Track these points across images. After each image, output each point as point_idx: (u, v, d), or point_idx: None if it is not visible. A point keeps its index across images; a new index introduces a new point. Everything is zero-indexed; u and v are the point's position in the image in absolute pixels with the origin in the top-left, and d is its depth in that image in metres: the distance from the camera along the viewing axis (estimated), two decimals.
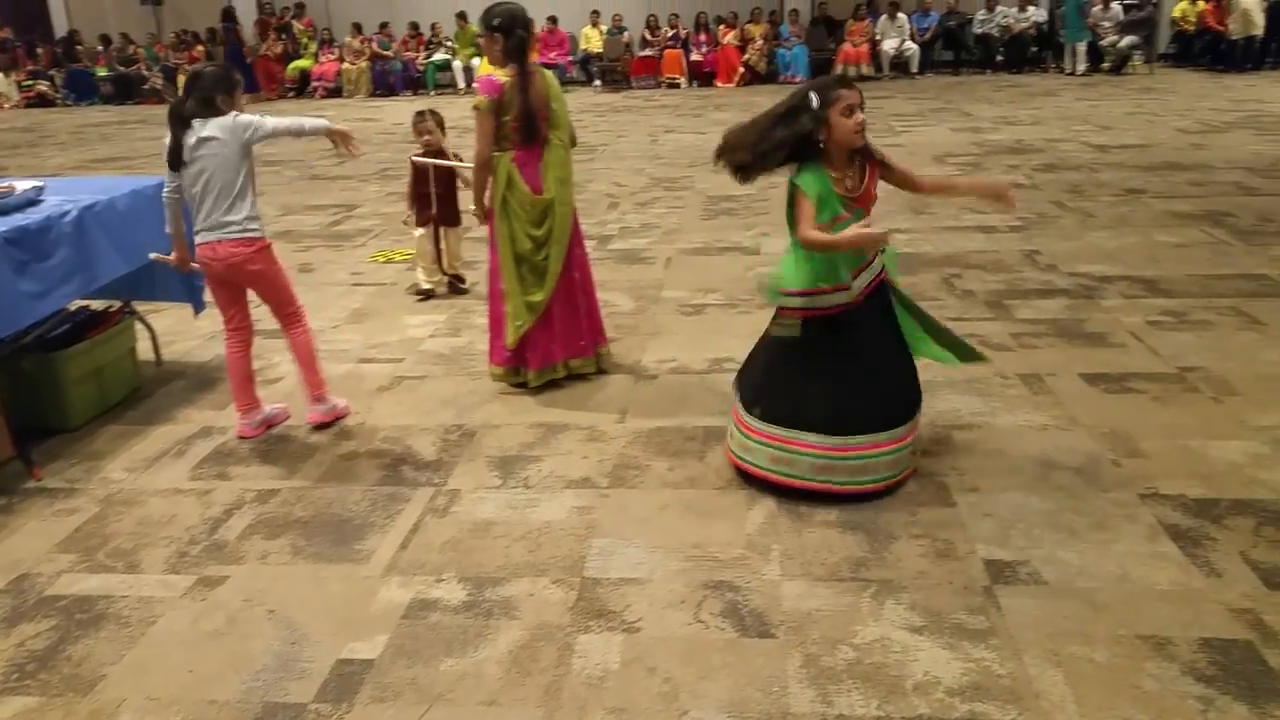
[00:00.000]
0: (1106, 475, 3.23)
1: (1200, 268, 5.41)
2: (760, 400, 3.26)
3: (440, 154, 5.35)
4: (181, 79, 17.87)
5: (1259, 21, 15.11)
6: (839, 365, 3.15)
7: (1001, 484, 3.21)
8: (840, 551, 2.89)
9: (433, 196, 5.39)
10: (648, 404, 4.01)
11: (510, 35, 3.86)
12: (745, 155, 3.07)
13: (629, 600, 2.70)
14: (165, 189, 3.75)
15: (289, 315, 3.86)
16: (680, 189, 8.44)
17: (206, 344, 4.93)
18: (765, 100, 12.87)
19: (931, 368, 4.18)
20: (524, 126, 3.87)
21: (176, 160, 3.58)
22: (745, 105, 14.10)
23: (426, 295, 5.52)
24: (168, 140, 3.59)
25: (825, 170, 3.04)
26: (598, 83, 17.48)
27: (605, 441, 3.69)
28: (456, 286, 5.60)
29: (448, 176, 5.37)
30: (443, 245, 5.52)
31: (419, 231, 5.51)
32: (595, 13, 17.68)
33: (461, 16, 17.88)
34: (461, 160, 5.26)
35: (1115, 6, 16.06)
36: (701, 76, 17.41)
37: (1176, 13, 16.79)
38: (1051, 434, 3.54)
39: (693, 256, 6.24)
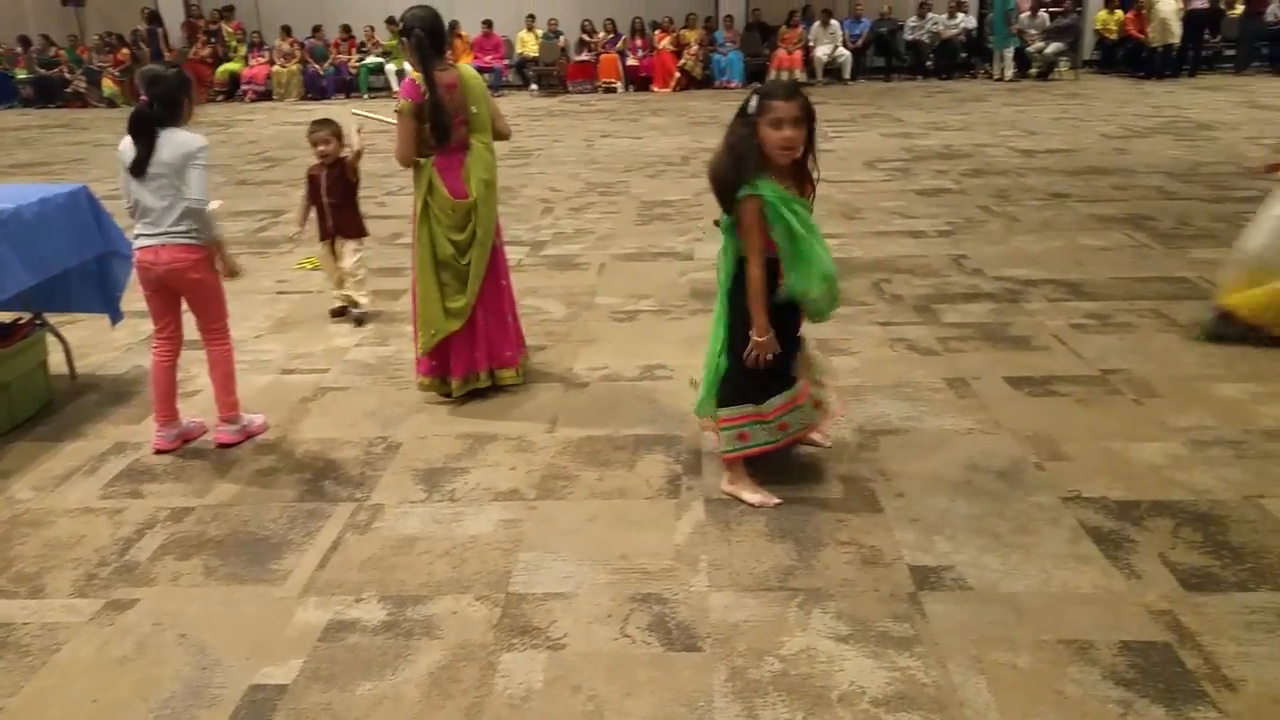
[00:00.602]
0: (1030, 478, 3.27)
1: (1122, 270, 5.53)
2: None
3: (340, 166, 5.06)
4: (107, 83, 17.54)
5: (1176, 30, 15.57)
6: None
7: (927, 489, 3.23)
8: (768, 560, 2.88)
9: (326, 207, 5.09)
10: (578, 413, 3.96)
11: (409, 36, 3.81)
12: (718, 181, 2.99)
13: (554, 616, 2.65)
14: (125, 203, 3.57)
15: (216, 330, 3.74)
16: (615, 194, 8.40)
17: (124, 356, 4.77)
18: (701, 105, 13.02)
19: (862, 371, 4.22)
20: (434, 128, 3.81)
21: (143, 170, 3.45)
22: (681, 110, 14.15)
23: (340, 312, 5.26)
24: (130, 149, 3.47)
25: (771, 179, 2.93)
26: (534, 87, 17.38)
27: (534, 452, 3.63)
28: (348, 311, 5.21)
29: (343, 185, 5.09)
30: (339, 261, 5.20)
31: (319, 246, 5.27)
32: (531, 17, 17.59)
33: (391, 21, 17.68)
34: (382, 120, 5.04)
35: (1042, 14, 16.44)
36: (638, 81, 17.41)
37: (1098, 22, 17.26)
38: (976, 438, 3.57)
39: (626, 262, 6.21)
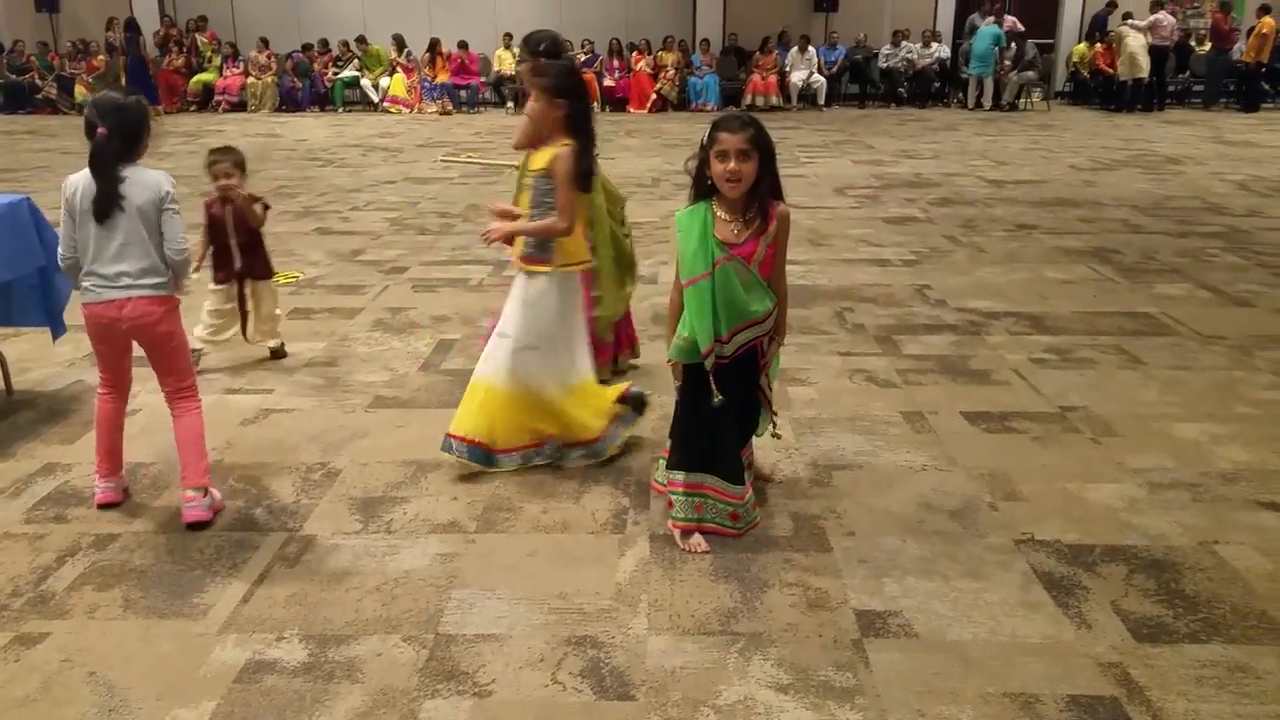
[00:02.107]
0: (983, 520, 3.19)
1: (1085, 305, 5.50)
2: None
3: (243, 200, 4.47)
4: (80, 90, 17.28)
5: (1144, 65, 15.77)
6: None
7: (879, 528, 3.14)
8: (710, 602, 2.78)
9: (233, 246, 4.52)
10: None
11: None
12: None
13: (484, 659, 2.53)
14: (63, 253, 3.15)
15: (186, 390, 3.29)
16: None
17: (65, 371, 4.62)
18: (676, 128, 13.00)
19: (819, 402, 4.14)
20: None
21: (108, 213, 3.04)
22: (655, 132, 14.13)
23: (195, 356, 4.42)
24: (87, 189, 3.06)
25: (711, 207, 2.91)
26: (510, 105, 17.32)
27: (478, 482, 3.51)
28: (279, 354, 4.75)
29: (247, 224, 4.53)
30: (249, 306, 4.61)
31: (214, 288, 4.57)
32: (508, 35, 17.54)
33: (361, 40, 17.64)
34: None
35: (1014, 45, 16.59)
36: (614, 102, 17.41)
37: (1075, 55, 17.46)
38: (931, 475, 3.49)
39: None
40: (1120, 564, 2.93)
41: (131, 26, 17.60)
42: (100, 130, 3.02)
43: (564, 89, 3.38)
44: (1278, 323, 5.17)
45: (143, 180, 3.09)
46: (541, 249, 3.46)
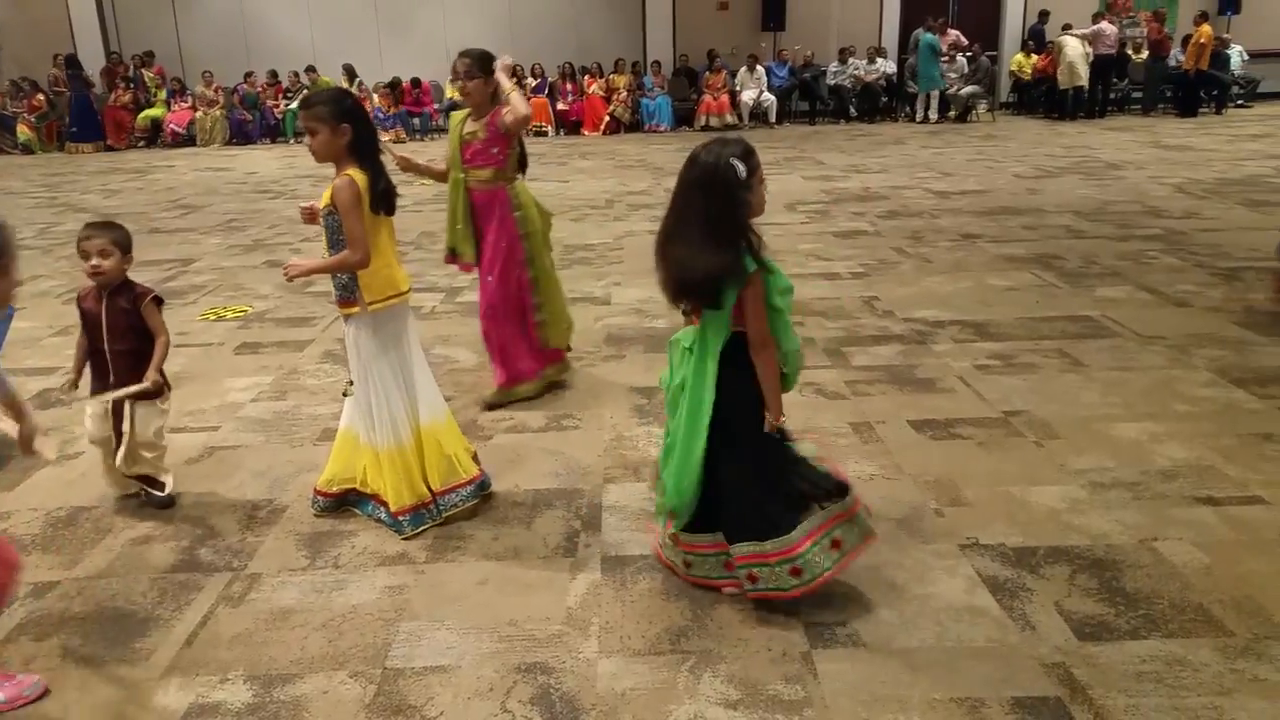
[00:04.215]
0: (929, 526, 3.22)
1: (1028, 310, 5.59)
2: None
3: (130, 293, 3.45)
4: (22, 129, 17.05)
5: (1083, 73, 16.12)
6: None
7: None
8: (661, 621, 2.78)
9: (106, 351, 3.45)
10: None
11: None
12: (719, 271, 2.57)
13: (432, 692, 2.51)
14: None
15: None
16: None
17: None
18: (629, 149, 13.02)
19: None
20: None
21: None
22: (609, 154, 14.20)
23: (126, 497, 3.66)
24: None
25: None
26: None
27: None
28: (151, 494, 3.59)
29: (131, 318, 3.43)
30: (126, 427, 3.47)
31: (90, 408, 3.52)
32: None
33: (311, 70, 17.58)
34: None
35: (960, 58, 16.90)
36: (568, 125, 17.49)
37: (1013, 64, 17.82)
38: (878, 484, 3.53)
39: None
40: (1063, 564, 2.97)
41: (73, 64, 17.42)
42: None
43: (344, 114, 3.14)
44: (1214, 322, 5.28)
45: None
46: (347, 289, 3.24)
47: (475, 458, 3.57)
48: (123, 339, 3.44)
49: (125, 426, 3.47)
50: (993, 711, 2.35)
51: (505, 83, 4.30)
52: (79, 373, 3.53)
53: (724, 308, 2.61)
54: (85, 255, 3.39)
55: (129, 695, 2.55)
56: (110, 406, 3.47)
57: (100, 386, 3.49)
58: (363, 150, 3.18)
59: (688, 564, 2.93)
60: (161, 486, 3.59)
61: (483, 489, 3.51)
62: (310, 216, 3.37)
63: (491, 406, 4.44)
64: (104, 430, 3.50)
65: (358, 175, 3.14)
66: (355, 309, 3.27)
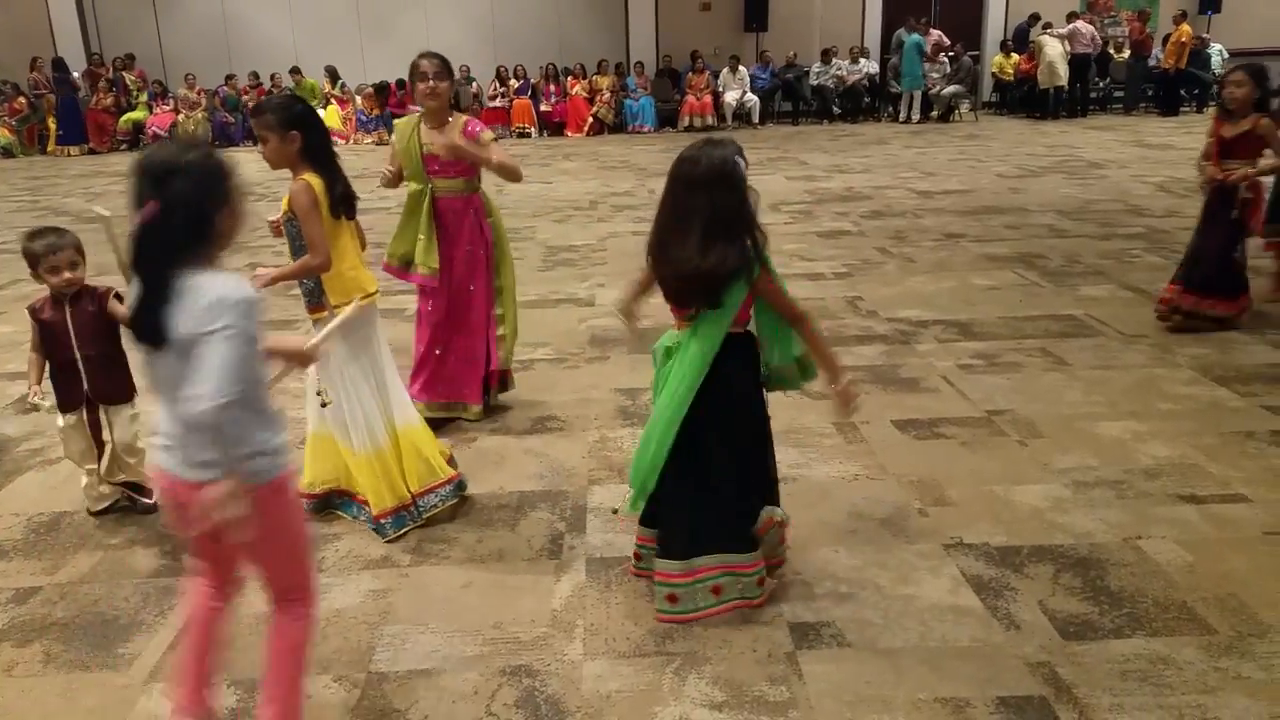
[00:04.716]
0: (913, 526, 3.23)
1: (1011, 309, 5.61)
2: None
3: (93, 297, 3.37)
4: (3, 132, 16.90)
5: (1062, 73, 16.22)
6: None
7: (812, 539, 3.16)
8: (646, 623, 2.77)
9: (78, 360, 3.37)
10: (462, 469, 3.80)
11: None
12: (724, 270, 2.56)
13: (417, 696, 2.50)
14: None
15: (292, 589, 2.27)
16: (521, 239, 8.30)
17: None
18: (613, 150, 12.95)
19: None
20: None
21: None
22: (593, 155, 14.19)
23: (107, 510, 3.56)
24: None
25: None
26: None
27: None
28: (136, 500, 3.57)
29: (100, 324, 3.35)
30: (106, 435, 3.47)
31: (63, 420, 3.45)
32: None
33: (294, 72, 17.51)
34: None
35: (942, 58, 16.96)
36: (552, 126, 17.47)
37: (994, 65, 17.91)
38: (862, 484, 3.53)
39: (526, 309, 6.06)
40: (1047, 563, 2.98)
41: (60, 66, 17.31)
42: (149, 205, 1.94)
43: (293, 120, 3.11)
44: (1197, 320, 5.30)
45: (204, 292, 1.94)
46: (313, 295, 3.26)
47: (451, 460, 3.56)
48: (93, 343, 3.38)
49: (106, 435, 3.44)
50: (978, 711, 2.36)
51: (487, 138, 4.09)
52: (39, 381, 3.40)
53: (725, 306, 2.60)
54: (55, 269, 3.29)
55: (113, 700, 2.53)
56: (85, 417, 3.45)
57: (71, 398, 3.42)
58: (316, 155, 3.17)
59: (638, 556, 2.95)
60: (148, 493, 3.52)
61: (460, 489, 3.50)
62: (276, 229, 3.36)
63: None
64: (81, 442, 3.47)
65: (313, 180, 3.14)
66: (324, 314, 3.25)
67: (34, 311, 3.41)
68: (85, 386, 3.41)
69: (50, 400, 3.42)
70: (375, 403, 3.33)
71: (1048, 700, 2.38)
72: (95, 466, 3.50)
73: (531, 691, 2.50)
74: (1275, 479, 3.48)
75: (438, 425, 4.01)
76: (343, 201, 3.21)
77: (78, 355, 3.38)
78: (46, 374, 3.44)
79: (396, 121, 4.33)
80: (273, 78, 17.78)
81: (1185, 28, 16.27)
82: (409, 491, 3.36)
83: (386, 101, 17.34)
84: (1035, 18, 17.73)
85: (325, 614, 2.87)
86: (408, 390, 3.81)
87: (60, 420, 3.45)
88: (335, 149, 3.32)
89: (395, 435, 3.38)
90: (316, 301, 3.27)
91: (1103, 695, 2.39)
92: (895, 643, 2.63)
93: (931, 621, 2.72)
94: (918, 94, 16.91)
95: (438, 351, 4.25)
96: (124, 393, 3.48)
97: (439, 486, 3.42)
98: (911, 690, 2.44)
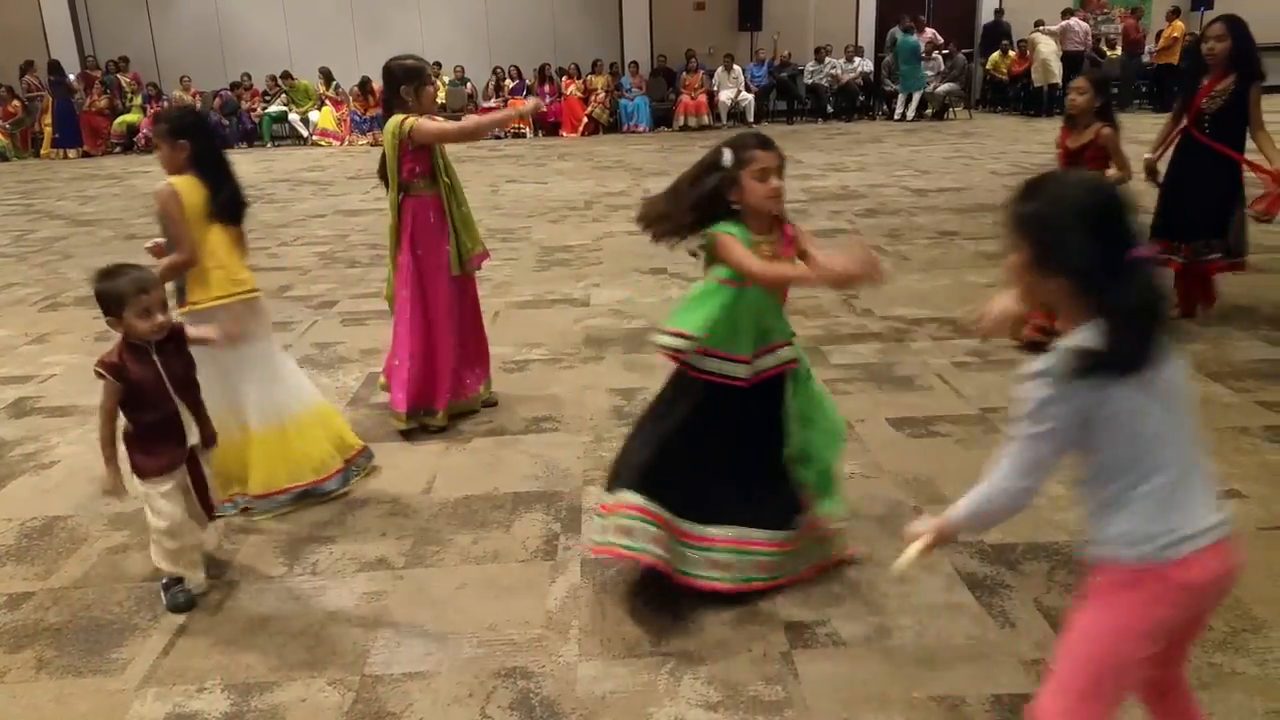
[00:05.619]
0: (908, 524, 3.22)
1: None
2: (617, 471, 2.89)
3: (171, 334, 2.85)
4: None
5: (1056, 70, 16.24)
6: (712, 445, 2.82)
7: None
8: (642, 623, 2.77)
9: (179, 410, 2.87)
10: (457, 471, 3.82)
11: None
12: (658, 220, 2.78)
13: (411, 698, 2.50)
14: None
15: None
16: (516, 240, 8.31)
17: None
18: (607, 150, 13.02)
19: None
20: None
21: None
22: (588, 155, 14.18)
23: (192, 599, 2.96)
24: None
25: (744, 227, 2.69)
26: None
27: (408, 516, 3.48)
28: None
29: (189, 363, 2.93)
30: (205, 470, 3.01)
31: (159, 488, 2.85)
32: (436, 64, 17.51)
33: (286, 75, 17.49)
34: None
35: (936, 56, 16.99)
36: (547, 126, 17.47)
37: (989, 63, 17.94)
38: (857, 483, 3.53)
39: (521, 310, 6.10)
40: (1042, 560, 2.99)
41: (56, 69, 17.29)
42: None
43: (181, 130, 3.33)
44: None
45: None
46: (182, 292, 3.39)
47: (363, 452, 3.79)
48: (188, 384, 2.91)
49: (204, 470, 3.00)
50: (973, 709, 2.36)
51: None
52: (116, 460, 2.83)
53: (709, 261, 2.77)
54: (147, 312, 2.73)
55: (106, 705, 2.52)
56: (189, 475, 2.93)
57: (174, 459, 2.87)
58: (203, 162, 3.36)
59: (627, 532, 2.74)
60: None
61: (346, 481, 3.68)
62: (158, 250, 3.45)
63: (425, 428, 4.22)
64: (191, 505, 2.95)
65: (179, 183, 3.31)
66: (183, 309, 3.37)
67: (113, 370, 2.75)
68: (193, 439, 2.93)
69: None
70: (246, 391, 3.47)
71: None
72: (203, 537, 3.09)
73: (526, 693, 2.50)
74: (1269, 475, 3.48)
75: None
76: (227, 207, 3.39)
77: (178, 402, 2.88)
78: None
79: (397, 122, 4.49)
80: (270, 80, 17.76)
81: (1178, 24, 16.29)
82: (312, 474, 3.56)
83: (366, 98, 17.25)
84: (1000, 13, 17.82)
85: (319, 617, 2.88)
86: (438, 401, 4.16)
87: (158, 488, 2.85)
88: (229, 158, 3.52)
89: (287, 422, 3.55)
90: (183, 300, 3.41)
91: None
92: (890, 641, 2.63)
93: (927, 619, 2.72)
94: (916, 94, 16.93)
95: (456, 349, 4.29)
96: (214, 431, 3.04)
97: (336, 474, 3.62)
98: (907, 688, 2.44)
